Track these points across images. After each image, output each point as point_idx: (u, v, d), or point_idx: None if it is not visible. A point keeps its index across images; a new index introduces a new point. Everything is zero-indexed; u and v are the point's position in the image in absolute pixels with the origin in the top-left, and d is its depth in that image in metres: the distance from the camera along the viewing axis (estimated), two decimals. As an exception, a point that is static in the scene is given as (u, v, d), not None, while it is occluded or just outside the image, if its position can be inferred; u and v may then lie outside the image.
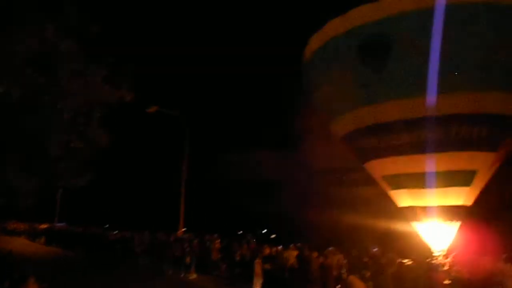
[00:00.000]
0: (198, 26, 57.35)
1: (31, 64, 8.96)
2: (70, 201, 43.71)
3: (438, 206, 13.31)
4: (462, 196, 13.33)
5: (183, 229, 25.86)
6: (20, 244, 32.31)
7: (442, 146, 12.73)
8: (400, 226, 16.31)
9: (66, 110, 9.94)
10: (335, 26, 13.67)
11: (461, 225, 13.78)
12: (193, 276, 17.39)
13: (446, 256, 13.56)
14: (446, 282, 11.81)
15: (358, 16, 12.98)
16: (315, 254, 14.90)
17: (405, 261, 12.05)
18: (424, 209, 13.53)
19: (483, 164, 13.04)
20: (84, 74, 9.82)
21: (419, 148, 12.95)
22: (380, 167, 14.36)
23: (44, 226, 40.36)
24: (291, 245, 16.10)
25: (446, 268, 13.16)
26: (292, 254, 15.03)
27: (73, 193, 39.28)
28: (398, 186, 14.07)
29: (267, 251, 16.08)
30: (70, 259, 23.68)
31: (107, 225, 38.36)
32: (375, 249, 14.87)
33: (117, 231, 28.45)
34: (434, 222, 13.43)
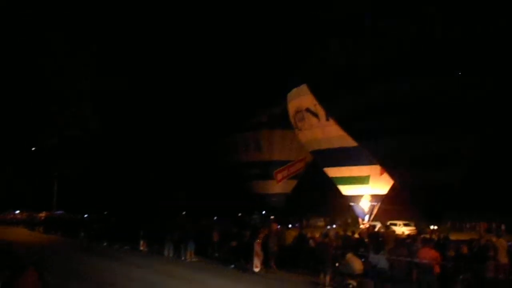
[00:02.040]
0: (194, 15, 55.91)
1: None
2: (67, 189, 43.78)
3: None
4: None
5: (183, 213, 26.01)
6: (19, 233, 32.48)
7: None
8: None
9: (59, 99, 9.89)
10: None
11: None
12: (194, 258, 17.59)
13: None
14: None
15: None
16: (313, 233, 15.12)
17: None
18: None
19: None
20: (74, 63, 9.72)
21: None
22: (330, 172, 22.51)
23: (42, 215, 40.49)
24: (290, 225, 16.33)
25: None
26: (291, 234, 15.24)
27: (70, 181, 39.32)
28: (340, 183, 22.17)
29: (266, 231, 16.25)
30: (70, 246, 23.81)
31: (106, 212, 38.55)
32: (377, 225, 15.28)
33: (115, 217, 28.60)
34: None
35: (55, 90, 9.43)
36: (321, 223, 42.07)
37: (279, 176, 28.81)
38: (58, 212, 43.33)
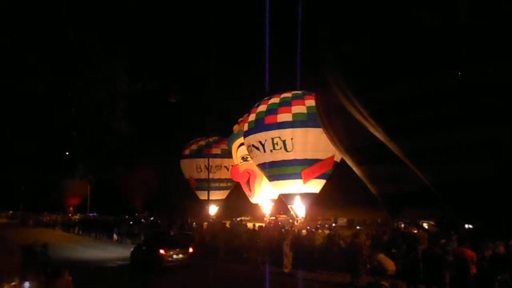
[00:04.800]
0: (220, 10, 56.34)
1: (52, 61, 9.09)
2: (101, 192, 44.98)
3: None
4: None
5: (213, 214, 26.08)
6: (55, 235, 33.56)
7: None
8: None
9: (90, 105, 10.07)
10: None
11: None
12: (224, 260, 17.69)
13: None
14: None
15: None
16: (344, 234, 14.94)
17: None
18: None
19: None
20: (103, 66, 9.86)
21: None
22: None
23: (77, 217, 41.75)
24: (319, 226, 16.18)
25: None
26: (320, 235, 15.10)
27: (103, 184, 40.34)
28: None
29: (295, 232, 16.17)
30: (103, 247, 24.33)
31: (137, 213, 39.38)
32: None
33: (152, 218, 29.11)
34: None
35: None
36: (343, 223, 40.20)
37: (306, 175, 28.50)
38: (92, 214, 44.60)
